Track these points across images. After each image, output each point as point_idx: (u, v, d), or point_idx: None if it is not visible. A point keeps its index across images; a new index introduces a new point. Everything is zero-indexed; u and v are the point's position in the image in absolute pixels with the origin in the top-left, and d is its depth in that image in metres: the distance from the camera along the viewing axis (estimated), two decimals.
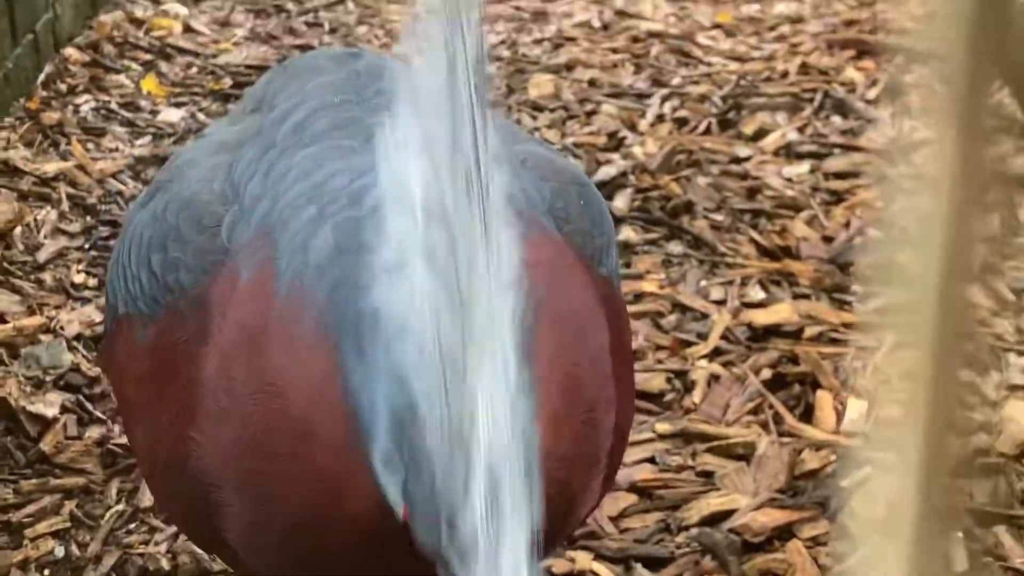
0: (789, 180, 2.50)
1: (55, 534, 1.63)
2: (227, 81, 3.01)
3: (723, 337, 1.99)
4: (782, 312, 2.04)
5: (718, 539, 1.58)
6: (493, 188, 0.73)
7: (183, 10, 3.44)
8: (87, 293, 2.12)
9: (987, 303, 0.43)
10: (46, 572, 1.58)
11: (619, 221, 2.31)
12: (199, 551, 1.57)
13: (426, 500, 0.73)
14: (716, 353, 1.95)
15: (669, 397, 1.87)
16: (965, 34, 0.39)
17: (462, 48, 0.71)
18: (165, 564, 1.57)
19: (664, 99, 2.88)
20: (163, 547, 1.60)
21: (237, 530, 0.90)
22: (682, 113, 2.82)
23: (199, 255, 0.93)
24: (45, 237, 2.27)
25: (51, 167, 2.50)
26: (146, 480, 1.08)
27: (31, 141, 2.61)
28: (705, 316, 2.05)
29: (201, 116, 2.82)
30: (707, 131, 2.73)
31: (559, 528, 0.88)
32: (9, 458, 1.75)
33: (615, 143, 2.68)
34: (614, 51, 3.20)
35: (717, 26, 3.36)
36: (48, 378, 1.88)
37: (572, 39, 3.30)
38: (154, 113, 2.83)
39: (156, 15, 3.39)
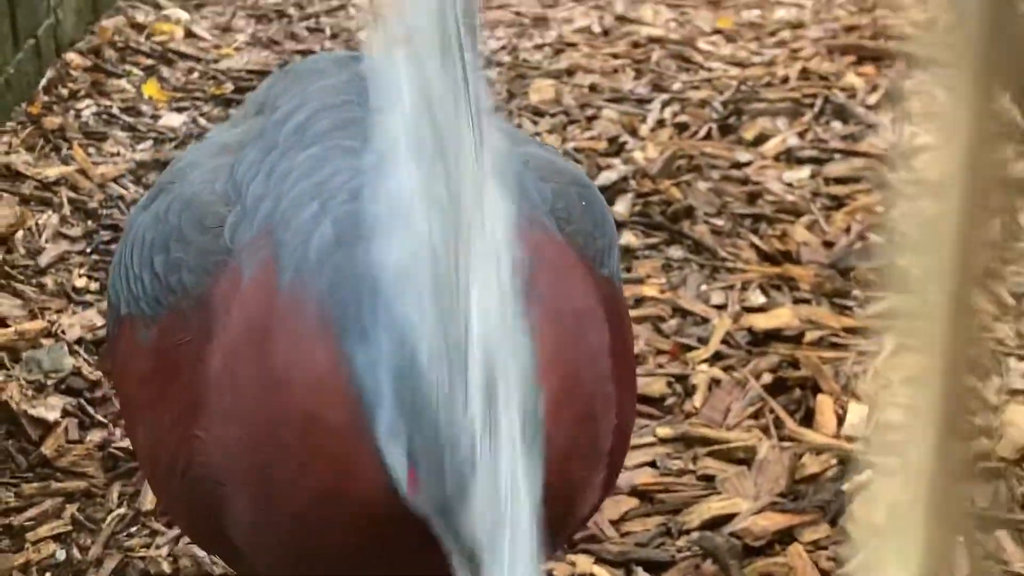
0: (790, 185, 2.50)
1: (56, 537, 1.63)
2: (228, 86, 3.02)
3: (724, 341, 1.99)
4: (783, 317, 2.04)
5: (719, 543, 1.59)
6: (483, 100, 0.73)
7: (184, 15, 3.44)
8: (88, 297, 2.12)
9: (988, 308, 0.43)
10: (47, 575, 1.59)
11: (620, 226, 2.31)
12: (200, 554, 1.57)
13: (430, 453, 0.73)
14: (717, 357, 1.96)
15: (670, 401, 1.87)
16: (968, 40, 0.39)
17: None
18: (166, 567, 1.57)
19: (665, 104, 2.89)
20: (164, 550, 1.60)
21: (242, 527, 0.90)
22: (683, 118, 2.82)
23: (201, 255, 0.93)
24: (46, 241, 2.28)
25: (52, 171, 2.51)
26: (148, 481, 1.09)
27: (33, 145, 2.62)
28: (706, 320, 2.05)
29: (202, 121, 2.82)
30: (708, 136, 2.73)
31: (560, 522, 0.88)
32: (10, 462, 1.76)
33: (616, 148, 2.68)
34: (615, 56, 3.21)
35: (718, 31, 3.36)
36: (49, 382, 1.88)
37: (573, 44, 3.31)
38: (155, 118, 2.84)
39: (158, 20, 3.39)
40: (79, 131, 2.72)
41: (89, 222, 2.36)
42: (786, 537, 1.61)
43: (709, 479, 1.71)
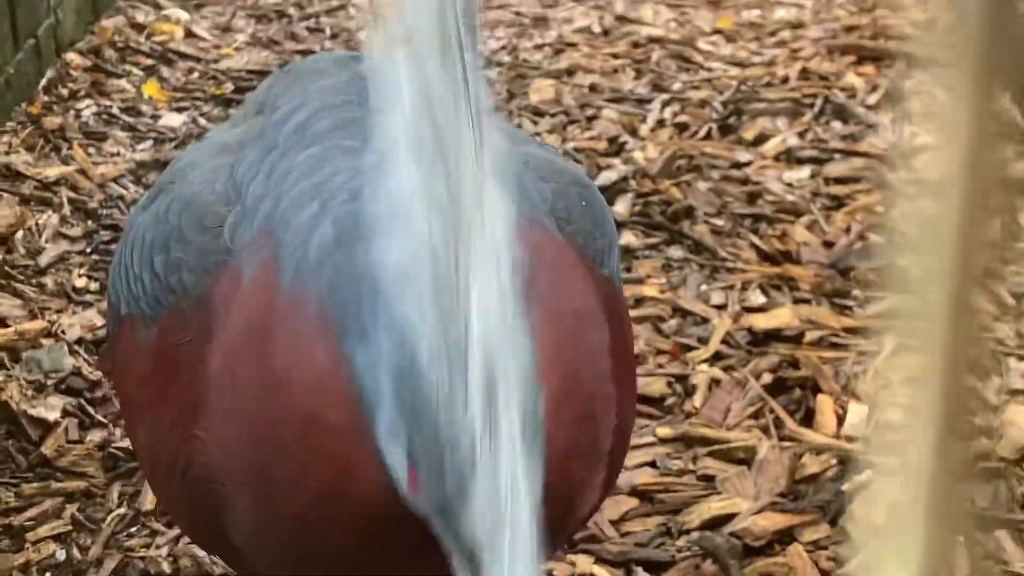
0: (789, 185, 2.50)
1: (56, 537, 1.63)
2: (228, 86, 3.02)
3: (724, 341, 1.99)
4: (783, 317, 2.04)
5: (719, 543, 1.59)
6: (484, 100, 0.74)
7: (184, 15, 3.44)
8: (88, 297, 2.12)
9: (988, 308, 0.43)
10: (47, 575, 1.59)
11: (620, 226, 2.31)
12: (201, 554, 1.57)
13: (430, 453, 0.73)
14: (717, 357, 1.96)
15: (670, 401, 1.87)
16: (969, 40, 0.39)
17: None
18: (166, 567, 1.57)
19: (665, 104, 2.89)
20: (164, 550, 1.60)
21: (242, 527, 0.90)
22: (683, 118, 2.82)
23: (201, 255, 0.93)
24: (46, 241, 2.28)
25: (52, 171, 2.51)
26: (148, 481, 1.09)
27: (33, 145, 2.62)
28: (706, 320, 2.05)
29: (202, 121, 2.83)
30: (708, 136, 2.73)
31: (560, 522, 0.88)
32: (10, 461, 1.76)
33: (616, 148, 2.68)
34: (615, 56, 3.21)
35: (718, 31, 3.36)
36: (49, 382, 1.88)
37: (573, 44, 3.31)
38: (155, 118, 2.84)
39: (158, 20, 3.39)
40: (79, 131, 2.72)
41: (89, 222, 2.36)
42: (786, 537, 1.61)
43: (709, 479, 1.71)
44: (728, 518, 1.64)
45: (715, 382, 1.89)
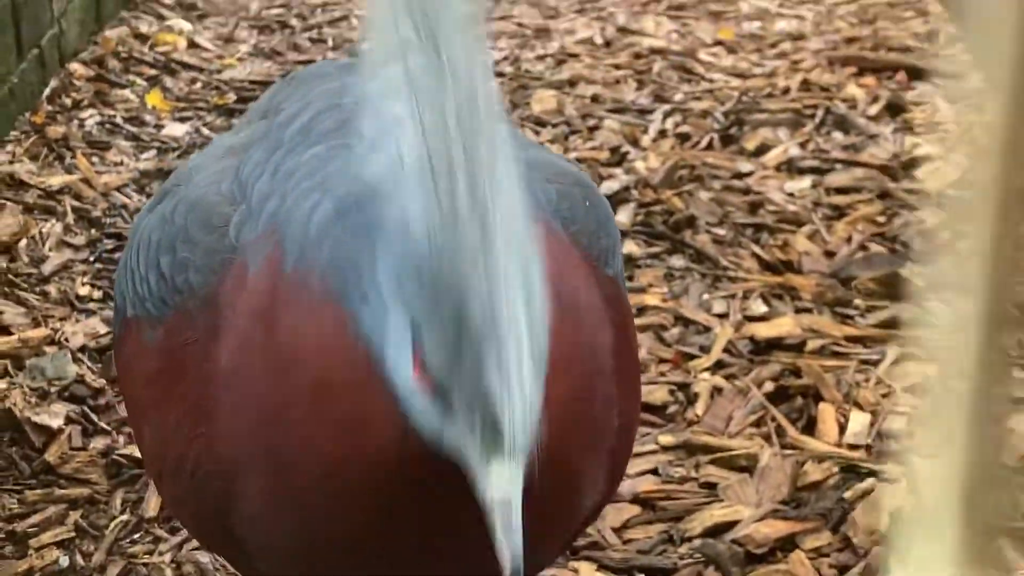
0: (791, 195, 2.51)
1: (60, 544, 1.64)
2: (231, 96, 3.02)
3: (726, 350, 1.99)
4: (784, 325, 2.05)
5: (721, 550, 1.59)
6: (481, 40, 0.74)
7: (188, 26, 3.46)
8: (92, 305, 2.13)
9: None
10: None
11: (622, 235, 2.32)
12: (204, 560, 1.58)
13: (434, 311, 0.72)
14: (719, 366, 1.96)
15: (672, 409, 1.87)
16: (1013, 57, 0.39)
17: None
18: (169, 574, 1.57)
19: (666, 115, 2.90)
20: (167, 557, 1.60)
21: (252, 520, 0.89)
22: (684, 128, 2.83)
23: (208, 255, 0.94)
24: (50, 250, 2.28)
25: (56, 180, 2.51)
26: (154, 482, 1.09)
27: (36, 155, 2.63)
28: (708, 329, 2.06)
29: (205, 131, 2.83)
30: (709, 146, 2.74)
31: (563, 506, 0.88)
32: (14, 468, 1.76)
33: (618, 158, 2.69)
34: (616, 67, 3.22)
35: (719, 43, 3.37)
36: (53, 389, 1.89)
37: (575, 55, 3.31)
38: (159, 127, 2.85)
39: (161, 31, 3.40)
40: (83, 140, 2.73)
41: (92, 231, 2.37)
42: (788, 544, 1.61)
43: (711, 486, 1.72)
44: (730, 525, 1.64)
45: (717, 390, 1.90)
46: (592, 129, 2.84)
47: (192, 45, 3.34)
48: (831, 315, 2.09)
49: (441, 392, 0.73)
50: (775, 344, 2.00)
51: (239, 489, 0.89)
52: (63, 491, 1.72)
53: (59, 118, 2.81)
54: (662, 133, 2.81)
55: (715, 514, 1.66)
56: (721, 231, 2.37)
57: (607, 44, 3.40)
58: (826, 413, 1.83)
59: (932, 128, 2.76)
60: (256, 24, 3.57)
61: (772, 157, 2.67)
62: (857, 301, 2.12)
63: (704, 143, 2.75)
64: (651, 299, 2.14)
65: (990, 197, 0.41)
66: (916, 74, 3.03)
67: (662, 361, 1.98)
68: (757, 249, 2.30)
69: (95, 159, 2.65)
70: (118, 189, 2.52)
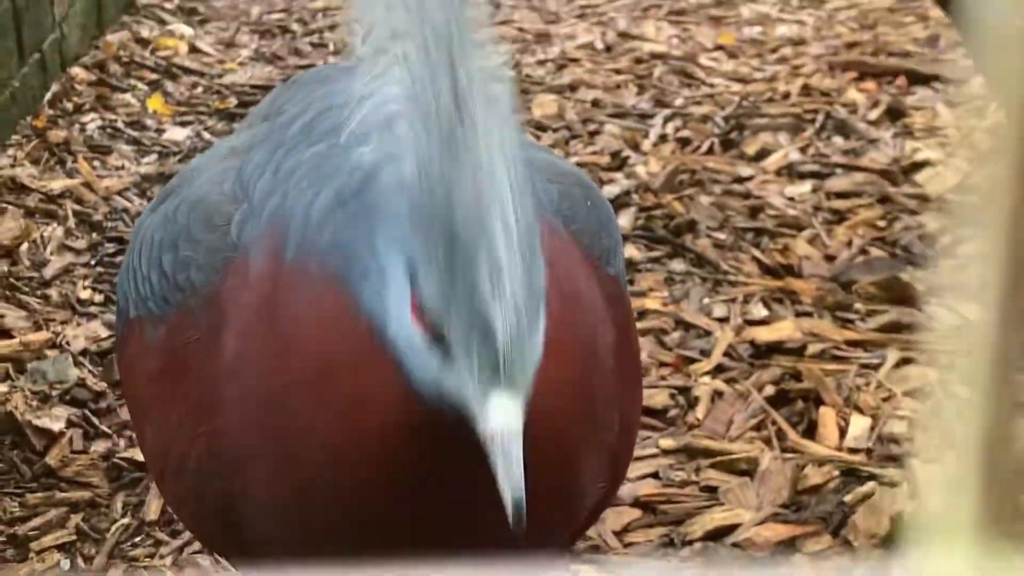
0: (791, 199, 2.51)
1: (61, 547, 1.64)
2: (232, 100, 3.03)
3: (726, 354, 2.00)
4: (784, 329, 2.05)
5: (721, 554, 1.59)
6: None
7: (189, 30, 3.46)
8: (93, 309, 2.13)
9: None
10: None
11: (623, 239, 2.32)
12: (204, 563, 1.58)
13: (434, 270, 0.72)
14: (719, 370, 1.96)
15: (673, 413, 1.88)
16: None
17: None
18: None
19: (667, 119, 2.90)
20: (168, 560, 1.61)
21: (258, 510, 0.89)
22: (685, 133, 2.83)
23: (210, 253, 0.94)
24: (51, 253, 2.29)
25: (57, 184, 2.52)
26: (156, 481, 1.09)
27: (38, 159, 2.63)
28: (708, 333, 2.06)
29: (206, 135, 2.84)
30: (710, 151, 2.74)
31: (562, 499, 0.88)
32: (15, 472, 1.76)
33: (618, 163, 2.69)
34: (617, 72, 3.22)
35: (719, 48, 3.38)
36: (54, 392, 1.89)
37: (575, 60, 3.32)
38: (160, 132, 2.85)
39: (162, 35, 3.41)
40: (84, 144, 2.73)
41: (94, 235, 2.37)
42: (788, 548, 1.61)
43: (712, 490, 1.72)
44: (731, 529, 1.64)
45: (718, 394, 1.90)
46: (593, 134, 2.84)
47: (193, 50, 3.35)
48: (831, 319, 2.09)
49: (438, 332, 0.74)
50: (776, 348, 2.01)
51: (244, 481, 0.89)
52: (64, 494, 1.72)
53: (60, 122, 2.82)
54: (663, 138, 2.81)
55: (716, 518, 1.66)
56: (722, 235, 2.37)
57: (608, 49, 3.41)
58: (826, 417, 1.83)
59: (932, 133, 2.76)
60: (257, 29, 3.58)
61: (772, 161, 2.67)
62: (857, 305, 2.12)
63: (705, 147, 2.75)
64: (652, 303, 2.14)
65: (997, 201, 0.41)
66: (916, 79, 3.03)
67: (663, 365, 1.98)
68: (758, 253, 2.30)
69: (96, 163, 2.66)
70: (119, 193, 2.53)
